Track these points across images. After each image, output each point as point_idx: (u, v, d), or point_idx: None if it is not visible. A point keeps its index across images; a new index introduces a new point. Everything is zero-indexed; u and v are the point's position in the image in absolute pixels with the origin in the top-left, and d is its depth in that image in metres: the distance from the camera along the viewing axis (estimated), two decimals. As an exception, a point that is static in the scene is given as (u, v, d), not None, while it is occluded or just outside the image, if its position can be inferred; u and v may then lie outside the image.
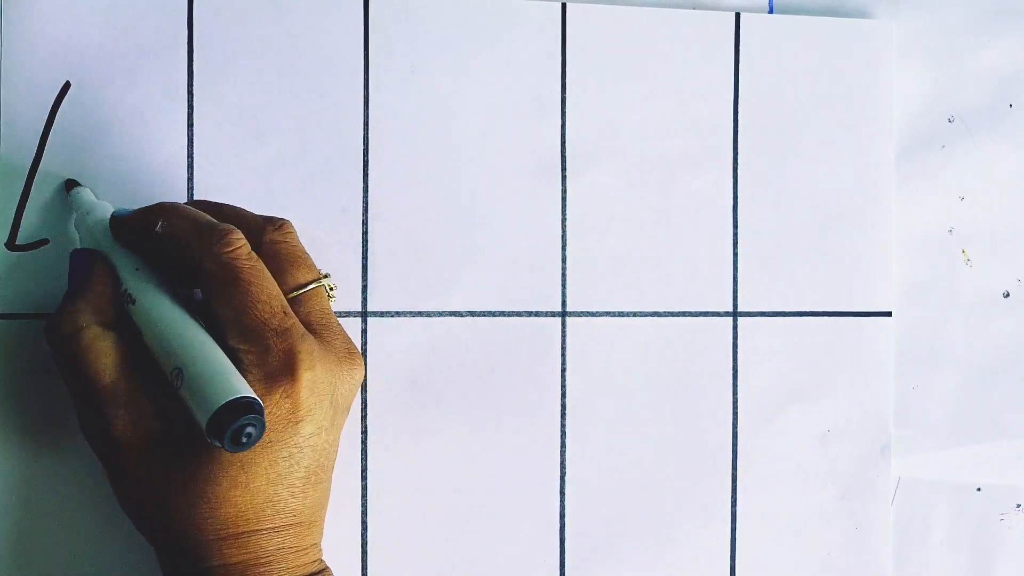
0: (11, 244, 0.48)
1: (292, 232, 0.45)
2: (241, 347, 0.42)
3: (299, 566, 0.43)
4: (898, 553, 0.55)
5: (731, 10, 0.54)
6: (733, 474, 0.54)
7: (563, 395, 0.52)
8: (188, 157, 0.50)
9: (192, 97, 0.50)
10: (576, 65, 0.53)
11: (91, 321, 0.43)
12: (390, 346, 0.50)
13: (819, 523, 0.54)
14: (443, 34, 0.51)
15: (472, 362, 0.51)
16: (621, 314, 0.53)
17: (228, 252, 0.42)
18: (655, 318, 0.53)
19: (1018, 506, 0.56)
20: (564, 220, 0.52)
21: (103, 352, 0.42)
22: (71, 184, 0.48)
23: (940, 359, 0.56)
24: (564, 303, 0.52)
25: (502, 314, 0.52)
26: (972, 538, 0.56)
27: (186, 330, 0.42)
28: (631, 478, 0.53)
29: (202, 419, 0.39)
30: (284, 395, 0.41)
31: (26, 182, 0.48)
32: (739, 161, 0.54)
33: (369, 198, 0.51)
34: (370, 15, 0.51)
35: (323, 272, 0.46)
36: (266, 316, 0.42)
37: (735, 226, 0.54)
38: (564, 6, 0.52)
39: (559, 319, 0.52)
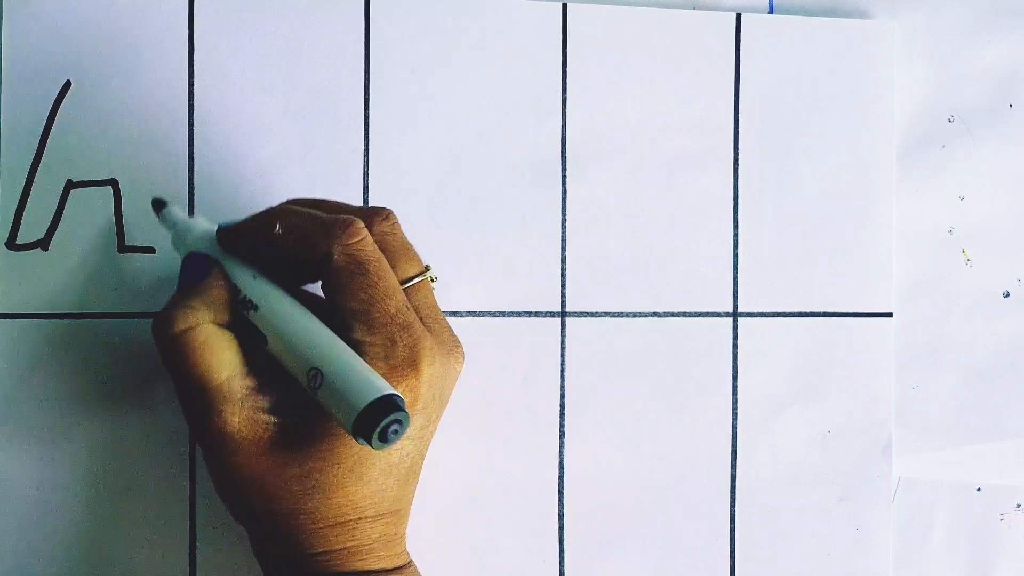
0: (11, 244, 0.48)
1: (397, 223, 0.45)
2: (367, 340, 0.42)
3: (394, 555, 0.44)
4: (898, 553, 0.55)
5: (731, 10, 0.54)
6: (733, 474, 0.54)
7: (562, 395, 0.52)
8: (188, 157, 0.50)
9: (192, 97, 0.50)
10: (577, 65, 0.53)
11: (206, 319, 0.43)
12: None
13: (819, 524, 0.54)
14: (444, 34, 0.52)
15: (471, 362, 0.51)
16: (621, 314, 0.53)
17: (355, 243, 0.42)
18: (655, 318, 0.53)
19: (1018, 506, 0.56)
20: (564, 220, 0.53)
21: (220, 349, 0.42)
22: (160, 204, 0.47)
23: (940, 359, 0.56)
24: (563, 303, 0.52)
25: (501, 314, 0.52)
26: (972, 538, 0.56)
27: (319, 332, 0.42)
28: (630, 478, 0.53)
29: (348, 418, 0.39)
30: (407, 389, 0.42)
31: (26, 182, 0.48)
32: (739, 161, 0.54)
33: (369, 198, 0.51)
34: (371, 15, 0.51)
35: (425, 264, 0.46)
36: (392, 310, 0.42)
37: (735, 226, 0.54)
38: (565, 6, 0.52)
39: (558, 319, 0.52)
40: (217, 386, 0.42)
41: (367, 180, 0.51)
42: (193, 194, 0.49)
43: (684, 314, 0.53)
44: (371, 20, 0.51)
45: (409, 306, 0.43)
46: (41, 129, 0.48)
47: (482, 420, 0.52)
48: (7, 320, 0.48)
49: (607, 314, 0.53)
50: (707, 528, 0.54)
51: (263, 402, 0.42)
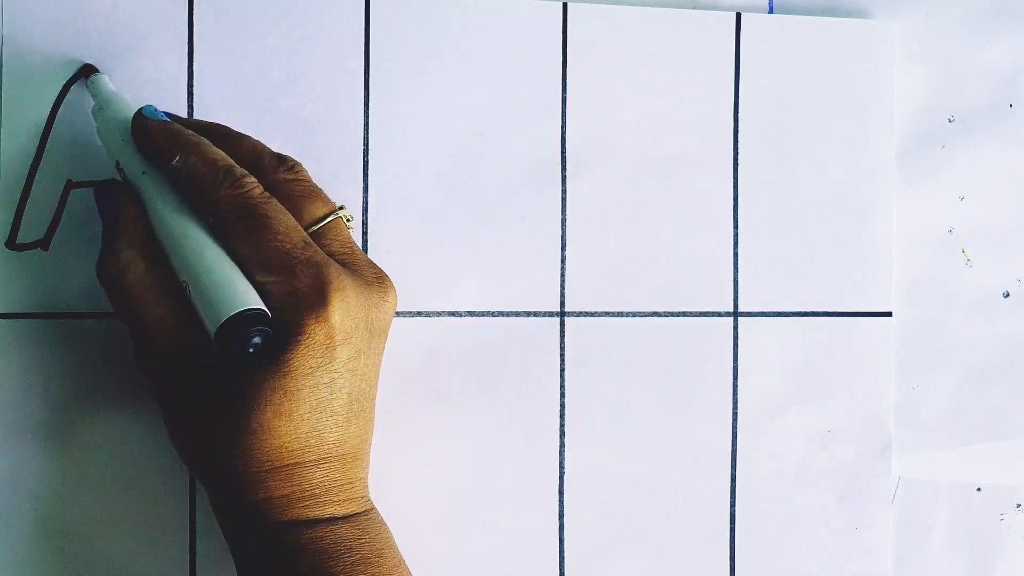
0: (11, 244, 0.48)
1: (302, 170, 0.45)
2: (269, 280, 0.42)
3: (345, 500, 0.44)
4: (898, 553, 0.55)
5: (731, 10, 0.54)
6: (733, 474, 0.54)
7: (562, 395, 0.52)
8: (188, 157, 0.50)
9: (192, 97, 0.50)
10: (577, 65, 0.53)
11: (135, 257, 0.43)
12: (389, 346, 0.50)
13: (819, 523, 0.54)
14: (444, 34, 0.52)
15: (471, 362, 0.52)
16: (620, 314, 0.53)
17: (241, 193, 0.43)
18: (655, 318, 0.53)
19: (1018, 506, 0.56)
20: (564, 220, 0.52)
21: (148, 287, 0.43)
22: (89, 70, 0.48)
23: (940, 359, 0.56)
24: (563, 303, 0.52)
25: (501, 314, 0.52)
26: (972, 538, 0.56)
27: (191, 240, 0.43)
28: (630, 478, 0.53)
29: (210, 330, 0.40)
30: (318, 320, 0.42)
31: (26, 182, 0.48)
32: (739, 161, 0.54)
33: (369, 198, 0.51)
34: (371, 15, 0.51)
35: (338, 204, 0.46)
36: (288, 247, 0.42)
37: (735, 226, 0.54)
38: (565, 6, 0.52)
39: (558, 319, 0.52)
40: (151, 323, 0.43)
41: (367, 180, 0.51)
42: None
43: (684, 314, 0.53)
44: (371, 20, 0.51)
45: (309, 242, 0.43)
46: (41, 129, 0.48)
47: (482, 420, 0.52)
48: (7, 320, 0.48)
49: (607, 314, 0.53)
50: (707, 528, 0.54)
51: (197, 334, 0.43)
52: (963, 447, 0.56)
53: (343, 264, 0.44)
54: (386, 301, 0.45)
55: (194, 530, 0.50)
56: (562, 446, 0.52)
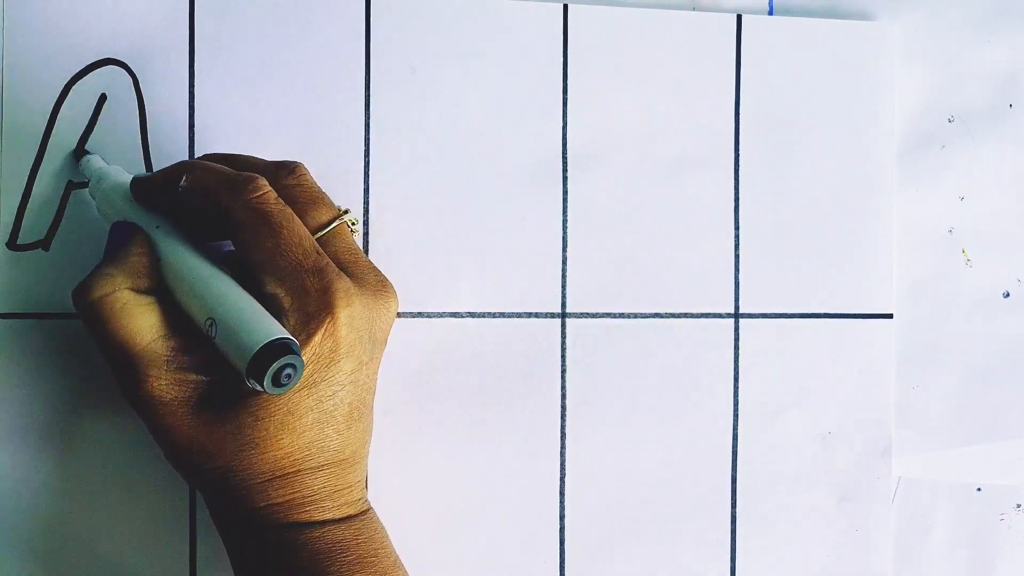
0: (11, 244, 0.48)
1: (306, 174, 0.45)
2: (278, 291, 0.42)
3: (343, 504, 0.44)
4: (898, 553, 0.55)
5: (731, 11, 0.54)
6: (733, 475, 0.54)
7: (563, 396, 0.52)
8: (190, 157, 0.50)
9: (193, 97, 0.50)
10: (577, 66, 0.53)
11: (124, 285, 0.43)
12: (390, 347, 0.50)
13: (819, 525, 0.54)
14: (444, 35, 0.51)
15: (472, 363, 0.52)
16: (621, 315, 0.53)
17: (256, 197, 0.42)
18: (655, 319, 0.53)
19: (1018, 506, 0.56)
20: (565, 221, 0.52)
21: (139, 314, 0.43)
22: (81, 152, 0.48)
23: (940, 359, 0.56)
24: (564, 304, 0.52)
25: (502, 315, 0.52)
26: (972, 538, 0.56)
27: (215, 280, 0.42)
28: (631, 479, 0.53)
29: (240, 364, 0.40)
30: (325, 334, 0.42)
31: (27, 182, 0.48)
32: (740, 162, 0.54)
33: (369, 198, 0.51)
34: (371, 16, 0.51)
35: (342, 208, 0.46)
36: (299, 257, 0.42)
37: (736, 228, 0.54)
38: (566, 7, 0.52)
39: (559, 320, 0.52)
40: (139, 351, 0.42)
41: (367, 180, 0.51)
42: (194, 194, 0.49)
43: (685, 315, 0.53)
44: (372, 20, 0.51)
45: (320, 252, 0.43)
46: (42, 129, 0.48)
47: (483, 421, 0.52)
48: (7, 320, 0.48)
49: (608, 315, 0.53)
50: (708, 529, 0.54)
51: (188, 362, 0.42)
52: (963, 447, 0.56)
53: (347, 271, 0.44)
54: (388, 309, 0.45)
55: (194, 530, 0.50)
56: (563, 447, 0.52)
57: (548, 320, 0.52)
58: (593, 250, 0.53)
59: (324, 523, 0.43)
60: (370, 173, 0.51)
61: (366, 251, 0.51)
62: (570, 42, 0.52)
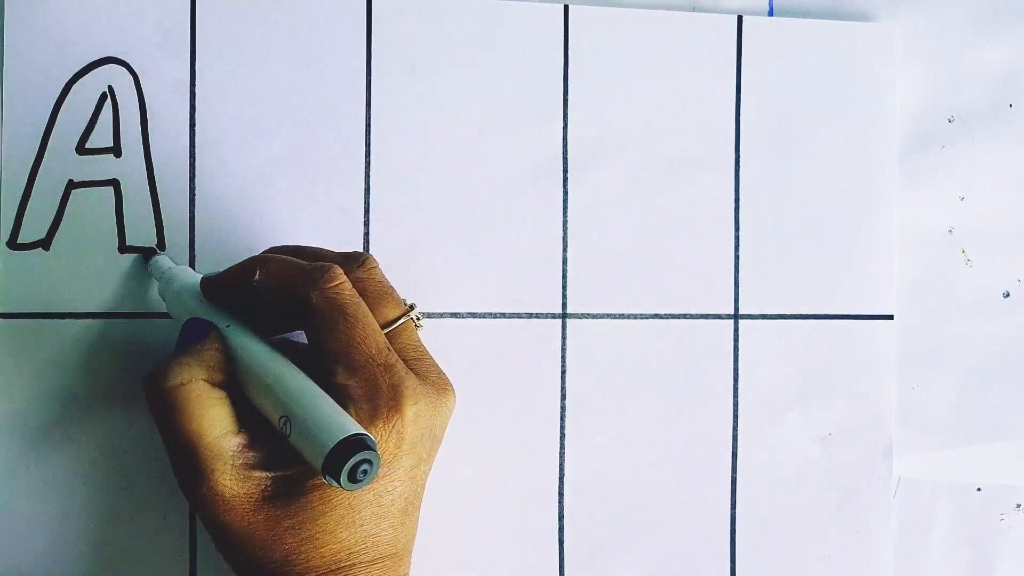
0: (12, 244, 0.48)
1: (376, 267, 0.45)
2: (349, 383, 0.42)
3: None
4: (898, 553, 0.55)
5: (731, 12, 0.54)
6: (733, 477, 0.54)
7: (563, 397, 0.52)
8: (190, 157, 0.50)
9: (194, 97, 0.50)
10: (578, 67, 0.53)
11: (200, 376, 0.43)
12: (391, 347, 0.50)
13: (820, 525, 0.54)
14: (445, 35, 0.51)
15: (472, 364, 0.52)
16: (622, 316, 0.53)
17: (333, 287, 0.42)
18: (656, 320, 0.53)
19: (1018, 506, 0.56)
20: (565, 222, 0.52)
21: (211, 406, 0.42)
22: (149, 253, 0.49)
23: (940, 359, 0.56)
24: (564, 305, 0.52)
25: (502, 316, 0.52)
26: (972, 538, 0.56)
27: (287, 377, 0.42)
28: (631, 480, 0.53)
29: (317, 460, 0.39)
30: (392, 430, 0.42)
31: (27, 182, 0.48)
32: (741, 163, 0.54)
33: (370, 198, 0.51)
34: (372, 16, 0.51)
35: (408, 303, 0.46)
36: (373, 351, 0.42)
37: (736, 228, 0.54)
38: (566, 8, 0.52)
39: (559, 321, 0.52)
40: (208, 444, 0.42)
41: (368, 181, 0.51)
42: (194, 194, 0.49)
43: (685, 316, 0.53)
44: (372, 21, 0.51)
45: (390, 348, 0.43)
46: (42, 129, 0.48)
47: (483, 422, 0.52)
48: (7, 320, 0.48)
49: (608, 316, 0.53)
50: (708, 530, 0.54)
51: (254, 458, 0.42)
52: (963, 447, 0.56)
53: (412, 368, 0.44)
54: (448, 408, 0.45)
55: (194, 530, 0.50)
56: (562, 448, 0.52)
57: (548, 320, 0.52)
58: (593, 250, 0.53)
59: None
60: (370, 173, 0.51)
61: (366, 250, 0.51)
62: (571, 43, 0.52)
